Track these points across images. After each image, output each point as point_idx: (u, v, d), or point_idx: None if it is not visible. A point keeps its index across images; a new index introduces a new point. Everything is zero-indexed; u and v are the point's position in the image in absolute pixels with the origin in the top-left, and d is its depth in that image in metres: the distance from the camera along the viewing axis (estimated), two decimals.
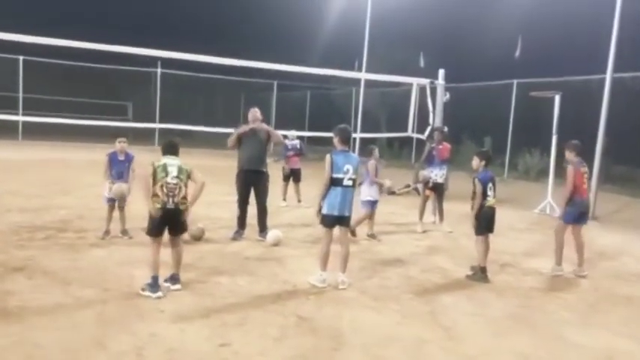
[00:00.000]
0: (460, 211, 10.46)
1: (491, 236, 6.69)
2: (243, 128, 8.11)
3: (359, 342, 4.54)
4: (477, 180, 6.58)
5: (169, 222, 5.50)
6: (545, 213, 11.93)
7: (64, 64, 23.77)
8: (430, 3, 21.95)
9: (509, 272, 7.05)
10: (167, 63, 24.99)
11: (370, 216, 8.44)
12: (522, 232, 9.86)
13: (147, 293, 5.26)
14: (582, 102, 14.06)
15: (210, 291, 5.60)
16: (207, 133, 23.55)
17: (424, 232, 9.27)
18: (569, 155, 7.06)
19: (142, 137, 20.04)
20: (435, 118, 10.07)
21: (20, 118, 20.26)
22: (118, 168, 7.43)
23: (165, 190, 5.38)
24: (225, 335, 4.50)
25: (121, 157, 7.48)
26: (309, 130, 24.71)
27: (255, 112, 8.17)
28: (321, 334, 4.68)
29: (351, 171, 5.94)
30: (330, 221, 6.03)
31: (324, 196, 5.99)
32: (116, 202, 7.53)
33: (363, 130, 18.77)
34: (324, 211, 6.02)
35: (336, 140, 6.10)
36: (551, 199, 12.09)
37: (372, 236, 8.46)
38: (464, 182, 9.48)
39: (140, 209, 8.02)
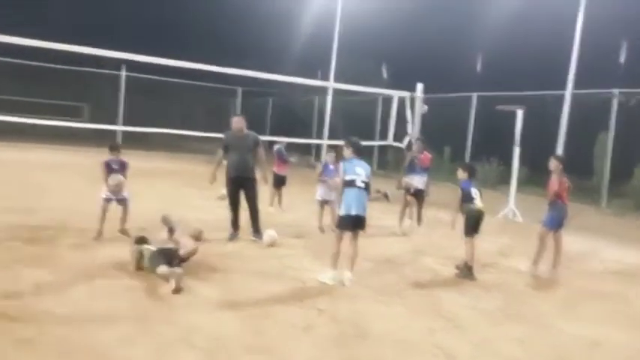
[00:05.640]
0: (436, 216, 11.16)
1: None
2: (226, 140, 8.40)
3: (379, 330, 5.05)
4: (460, 187, 7.40)
5: None
6: (508, 218, 12.77)
7: (22, 63, 23.36)
8: (394, 17, 22.81)
9: (490, 271, 7.70)
10: (129, 66, 24.88)
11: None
12: (492, 235, 10.55)
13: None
14: (538, 116, 15.01)
15: (227, 287, 5.98)
16: (164, 137, 23.74)
17: (404, 234, 9.86)
18: (557, 166, 7.65)
19: (98, 139, 19.46)
20: (414, 128, 10.70)
21: None
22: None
23: None
24: (256, 325, 4.91)
25: (116, 166, 7.74)
26: (270, 135, 25.15)
27: (239, 122, 8.35)
28: (344, 324, 5.15)
29: (363, 174, 6.50)
30: (346, 222, 6.49)
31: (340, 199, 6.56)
32: (114, 200, 7.75)
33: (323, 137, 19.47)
34: (341, 212, 6.50)
35: (348, 151, 6.71)
36: (513, 206, 12.95)
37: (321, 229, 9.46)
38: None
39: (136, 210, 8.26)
